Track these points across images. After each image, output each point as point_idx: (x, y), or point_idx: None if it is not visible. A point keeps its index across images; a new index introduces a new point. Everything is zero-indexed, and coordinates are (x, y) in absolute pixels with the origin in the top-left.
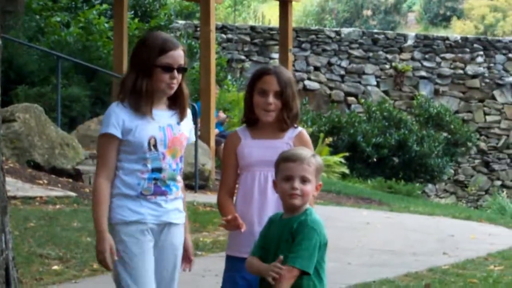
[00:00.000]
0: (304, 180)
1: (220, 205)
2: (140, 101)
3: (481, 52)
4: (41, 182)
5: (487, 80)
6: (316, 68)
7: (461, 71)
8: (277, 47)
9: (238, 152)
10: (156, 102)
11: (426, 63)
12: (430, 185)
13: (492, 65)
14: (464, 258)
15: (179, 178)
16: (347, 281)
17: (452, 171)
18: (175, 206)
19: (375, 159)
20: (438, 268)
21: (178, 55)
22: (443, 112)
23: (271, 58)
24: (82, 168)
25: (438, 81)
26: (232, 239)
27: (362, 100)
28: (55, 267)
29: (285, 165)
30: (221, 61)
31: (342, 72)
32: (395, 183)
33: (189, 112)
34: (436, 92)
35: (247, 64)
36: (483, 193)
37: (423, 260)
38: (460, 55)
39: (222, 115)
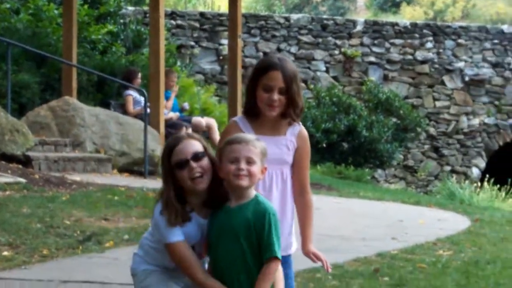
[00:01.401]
0: (249, 162)
1: None
2: None
3: (431, 38)
4: None
5: (437, 66)
6: (266, 54)
7: (410, 57)
8: (226, 33)
9: None
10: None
11: (375, 49)
12: (379, 171)
13: (441, 50)
14: (413, 243)
15: None
16: (295, 266)
17: (402, 157)
18: None
19: (324, 145)
20: (387, 253)
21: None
22: (393, 97)
23: (220, 44)
24: (32, 154)
25: (388, 66)
26: None
27: (312, 86)
28: (5, 253)
29: (230, 147)
30: (171, 48)
31: (292, 58)
32: (345, 168)
33: None
34: (386, 78)
35: (196, 50)
36: (433, 178)
37: (372, 245)
38: (409, 40)
39: (186, 106)
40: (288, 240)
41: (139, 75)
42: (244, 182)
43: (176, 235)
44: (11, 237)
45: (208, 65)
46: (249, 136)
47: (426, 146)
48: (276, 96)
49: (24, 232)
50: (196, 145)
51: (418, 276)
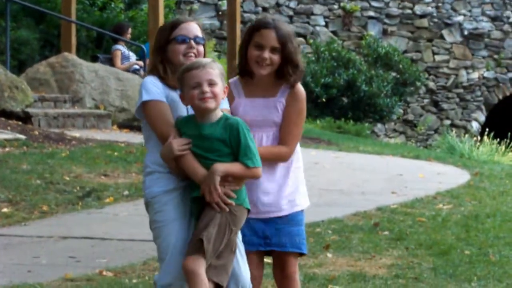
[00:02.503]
0: (211, 84)
1: None
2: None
3: None
4: None
5: (436, 20)
6: (265, 9)
7: (409, 11)
8: None
9: (232, 109)
10: None
11: (374, 3)
12: (379, 125)
13: (440, 4)
14: (413, 197)
15: None
16: None
17: (401, 111)
18: None
19: (324, 99)
20: (387, 207)
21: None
22: (392, 52)
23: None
24: (31, 111)
25: (387, 21)
26: None
27: (311, 41)
28: (5, 209)
29: (189, 74)
30: (170, 3)
31: (291, 13)
32: (344, 123)
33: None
34: (385, 32)
35: (196, 6)
36: (432, 132)
37: (371, 200)
38: None
39: None
40: (287, 199)
41: (129, 29)
42: (211, 104)
43: (157, 95)
44: (10, 194)
45: (207, 20)
46: (205, 59)
47: (426, 100)
48: (267, 54)
49: (23, 188)
50: (198, 31)
51: (418, 230)
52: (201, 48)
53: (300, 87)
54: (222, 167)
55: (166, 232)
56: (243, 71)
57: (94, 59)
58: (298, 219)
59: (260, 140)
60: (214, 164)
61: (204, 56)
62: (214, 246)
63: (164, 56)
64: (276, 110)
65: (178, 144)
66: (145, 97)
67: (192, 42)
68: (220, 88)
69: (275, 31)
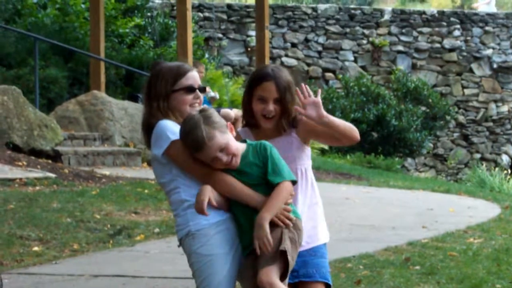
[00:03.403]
0: (222, 150)
1: None
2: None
3: (458, 26)
4: (20, 163)
5: (464, 54)
6: (293, 45)
7: (438, 45)
8: (254, 25)
9: None
10: None
11: (403, 38)
12: (409, 160)
13: (469, 38)
14: (444, 231)
15: None
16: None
17: (431, 145)
18: None
19: None
20: (418, 242)
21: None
22: (421, 86)
23: (248, 36)
24: (61, 149)
25: (416, 55)
26: None
27: (340, 76)
28: (36, 248)
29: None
30: (198, 40)
31: (320, 48)
32: (374, 158)
33: None
34: (414, 67)
35: (224, 42)
36: (463, 166)
37: (402, 234)
38: (437, 29)
39: (210, 92)
40: (307, 234)
41: None
42: (235, 163)
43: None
44: (41, 232)
45: (236, 56)
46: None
47: (456, 134)
48: (271, 106)
49: (54, 227)
50: (199, 80)
51: (449, 264)
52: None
53: (304, 118)
54: (267, 215)
55: (216, 266)
56: (250, 123)
57: (133, 98)
58: (322, 252)
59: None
60: (257, 216)
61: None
62: (293, 257)
63: (168, 103)
64: (291, 145)
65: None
66: (173, 137)
67: (198, 92)
68: (231, 141)
69: (275, 82)
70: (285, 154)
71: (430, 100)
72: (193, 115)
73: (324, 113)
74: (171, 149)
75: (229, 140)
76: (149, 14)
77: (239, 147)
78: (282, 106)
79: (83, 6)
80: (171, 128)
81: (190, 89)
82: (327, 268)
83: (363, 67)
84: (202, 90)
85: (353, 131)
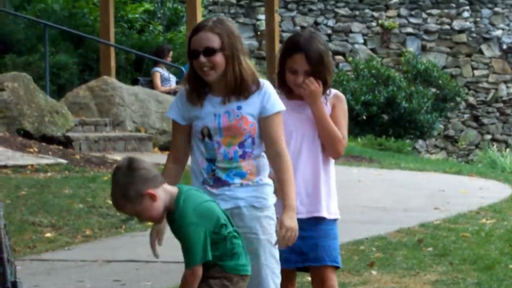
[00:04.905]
0: None
1: None
2: (190, 90)
3: (467, 7)
4: (31, 150)
5: (474, 35)
6: (303, 28)
7: (447, 27)
8: (263, 9)
9: None
10: (213, 88)
11: (412, 20)
12: (420, 141)
13: (478, 19)
14: (456, 213)
15: (245, 165)
16: (339, 238)
17: (442, 127)
18: (247, 192)
19: (364, 117)
20: (430, 223)
21: (201, 38)
22: (431, 68)
23: (257, 20)
24: (72, 135)
25: (425, 37)
26: None
27: (350, 59)
28: (48, 234)
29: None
30: None
31: (329, 31)
32: (385, 140)
33: (263, 87)
34: (424, 48)
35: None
36: (474, 147)
37: (414, 216)
38: (446, 10)
39: None
40: (325, 202)
41: (170, 53)
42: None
43: (175, 114)
44: (53, 218)
45: (246, 40)
46: None
47: (466, 116)
48: (301, 78)
49: (66, 213)
50: (211, 40)
51: (461, 245)
52: (217, 59)
53: (338, 91)
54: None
55: None
56: (284, 89)
57: (134, 82)
58: (333, 233)
59: (302, 138)
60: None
61: (215, 64)
62: None
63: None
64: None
65: None
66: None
67: (201, 58)
68: (145, 209)
69: (305, 54)
70: (310, 116)
71: (440, 82)
72: (117, 171)
73: (318, 102)
74: None
75: (143, 209)
76: None
77: (155, 212)
78: (316, 77)
79: None
80: (172, 103)
81: (193, 55)
82: (337, 250)
83: (372, 50)
84: (207, 53)
85: (338, 142)
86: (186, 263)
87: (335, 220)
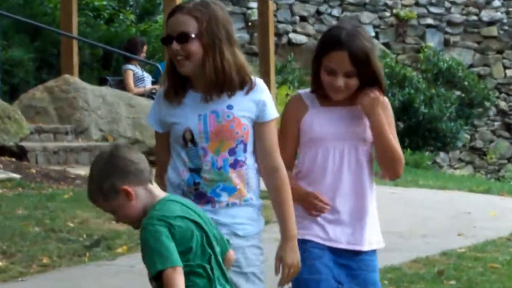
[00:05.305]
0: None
1: None
2: (168, 86)
3: None
4: None
5: (506, 28)
6: (303, 19)
7: (475, 17)
8: None
9: (304, 123)
10: (194, 83)
11: (433, 9)
12: (442, 154)
13: (511, 9)
14: (483, 239)
15: (235, 177)
16: None
17: (468, 137)
18: (232, 216)
19: None
20: (453, 252)
21: (176, 21)
22: (455, 66)
23: (248, 8)
24: (26, 145)
25: (448, 30)
26: (301, 221)
27: None
28: None
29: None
30: None
31: (334, 22)
32: None
33: (257, 85)
34: (446, 43)
35: None
36: (505, 161)
37: (434, 243)
38: None
39: None
40: (368, 233)
41: (144, 47)
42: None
43: (152, 122)
44: (4, 244)
45: (235, 33)
46: None
47: (497, 124)
48: (340, 81)
49: (19, 237)
50: (187, 24)
51: (490, 277)
52: (192, 47)
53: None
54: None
55: None
56: (318, 93)
57: (101, 82)
58: (374, 264)
59: (341, 156)
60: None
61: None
62: None
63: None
64: (361, 120)
65: None
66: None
67: (174, 44)
68: (120, 208)
69: (348, 53)
70: (349, 127)
71: (466, 83)
72: (98, 157)
73: (379, 111)
74: None
75: (119, 206)
76: None
77: (131, 212)
78: (363, 80)
79: None
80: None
81: (165, 41)
82: (377, 284)
83: (386, 45)
84: (181, 39)
85: (398, 162)
86: (156, 269)
87: (375, 250)
